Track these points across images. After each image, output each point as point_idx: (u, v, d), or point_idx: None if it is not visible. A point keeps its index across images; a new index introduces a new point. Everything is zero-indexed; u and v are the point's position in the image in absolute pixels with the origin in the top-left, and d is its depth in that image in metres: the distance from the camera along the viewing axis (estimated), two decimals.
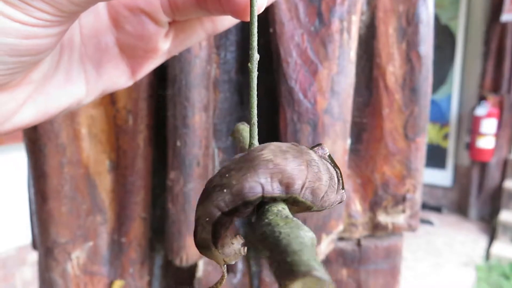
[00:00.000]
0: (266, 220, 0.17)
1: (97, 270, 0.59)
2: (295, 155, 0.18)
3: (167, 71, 0.55)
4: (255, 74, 0.24)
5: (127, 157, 0.59)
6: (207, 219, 0.17)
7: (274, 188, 0.17)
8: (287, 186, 0.18)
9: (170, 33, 0.26)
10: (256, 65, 0.24)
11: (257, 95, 0.63)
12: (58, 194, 0.55)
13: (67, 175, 0.56)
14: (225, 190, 0.17)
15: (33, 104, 0.22)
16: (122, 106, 0.58)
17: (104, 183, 0.60)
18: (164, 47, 0.26)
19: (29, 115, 0.22)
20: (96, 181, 0.60)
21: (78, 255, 0.57)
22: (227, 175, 0.17)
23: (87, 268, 0.58)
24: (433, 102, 3.57)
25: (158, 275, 0.72)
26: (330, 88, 0.53)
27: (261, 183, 0.17)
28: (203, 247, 0.18)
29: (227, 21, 0.27)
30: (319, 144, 0.24)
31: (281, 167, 0.17)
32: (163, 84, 0.57)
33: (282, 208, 0.18)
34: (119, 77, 0.26)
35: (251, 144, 0.26)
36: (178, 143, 0.54)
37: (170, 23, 0.25)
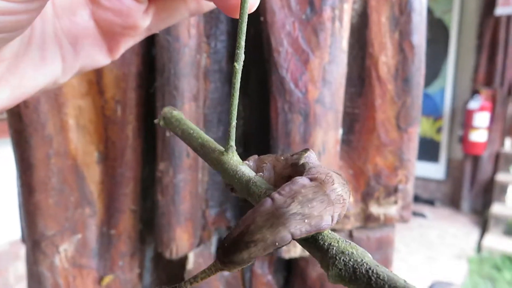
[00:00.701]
0: (335, 249, 0.18)
1: (86, 263, 0.58)
2: (348, 188, 0.20)
3: (156, 60, 0.54)
4: (239, 75, 0.23)
5: (116, 148, 0.58)
6: (277, 243, 0.17)
7: (336, 220, 0.19)
8: (340, 216, 0.19)
9: (150, 10, 0.25)
10: (241, 67, 0.23)
11: (248, 85, 0.62)
12: (45, 186, 0.54)
13: (54, 166, 0.54)
14: (306, 221, 0.18)
15: (7, 85, 0.21)
16: (111, 96, 0.57)
17: (93, 174, 0.59)
18: (143, 24, 0.25)
19: (3, 98, 0.21)
20: (85, 172, 0.59)
21: (66, 248, 0.56)
22: (309, 205, 0.18)
23: (75, 261, 0.58)
24: (427, 96, 3.58)
25: (149, 268, 0.71)
26: (321, 78, 0.53)
27: (332, 216, 0.19)
28: (241, 264, 0.18)
29: (213, 3, 0.26)
30: (306, 150, 0.23)
31: (345, 202, 0.19)
32: (152, 74, 0.56)
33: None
34: (97, 54, 0.25)
35: (229, 146, 0.25)
36: (168, 134, 0.53)
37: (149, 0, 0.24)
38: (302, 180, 0.19)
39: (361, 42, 0.58)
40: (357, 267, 0.17)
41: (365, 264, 0.17)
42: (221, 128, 0.63)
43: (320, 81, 0.52)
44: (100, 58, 0.25)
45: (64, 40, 0.23)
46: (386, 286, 0.16)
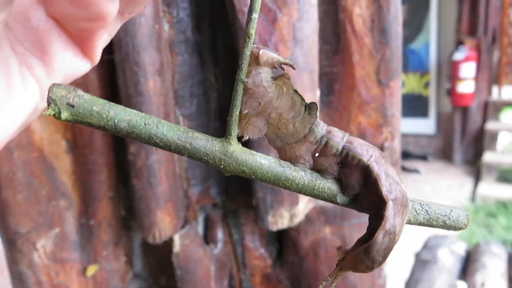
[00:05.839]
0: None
1: (68, 256, 0.56)
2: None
3: None
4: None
5: (83, 135, 0.55)
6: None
7: None
8: None
9: None
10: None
11: (217, 53, 0.57)
12: (11, 182, 0.50)
13: (18, 160, 0.51)
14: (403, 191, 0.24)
15: None
16: None
17: (63, 165, 0.56)
18: (110, 10, 0.19)
19: None
20: (54, 163, 0.55)
21: (44, 243, 0.54)
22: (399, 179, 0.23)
23: (56, 256, 0.55)
24: (412, 52, 3.53)
25: (138, 254, 0.69)
26: (292, 37, 0.49)
27: None
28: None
29: None
30: (313, 106, 0.22)
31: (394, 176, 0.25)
32: (109, 49, 0.52)
33: None
34: (71, 61, 0.20)
35: (233, 134, 0.21)
36: None
37: None
38: (379, 178, 0.22)
39: None
40: (414, 205, 0.24)
41: (416, 201, 0.25)
42: (195, 101, 0.59)
43: (290, 40, 0.49)
44: (76, 64, 0.20)
45: (27, 55, 0.19)
46: (437, 211, 0.25)
